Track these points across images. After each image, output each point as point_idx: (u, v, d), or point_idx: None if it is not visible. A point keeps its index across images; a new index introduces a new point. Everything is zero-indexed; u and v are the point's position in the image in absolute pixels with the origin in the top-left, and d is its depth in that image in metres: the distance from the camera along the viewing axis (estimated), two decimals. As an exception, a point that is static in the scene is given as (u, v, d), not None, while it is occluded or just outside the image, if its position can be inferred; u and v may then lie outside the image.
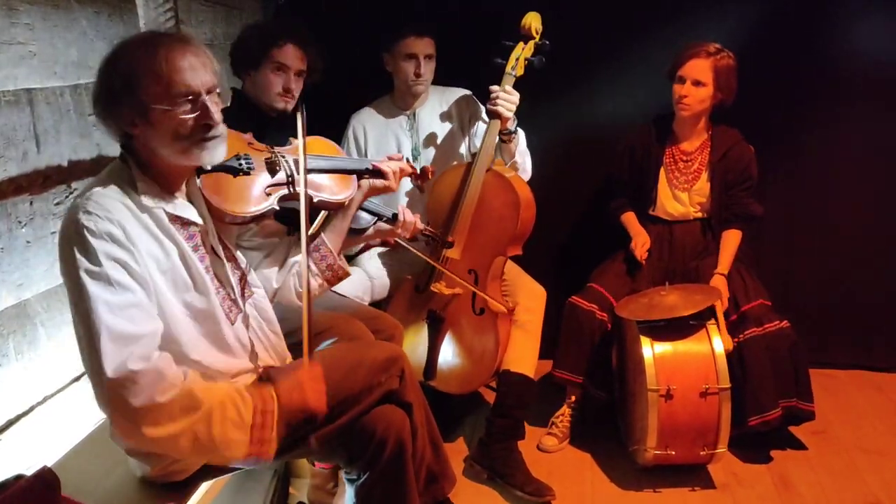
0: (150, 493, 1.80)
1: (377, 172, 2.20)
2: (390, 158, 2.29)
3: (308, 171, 1.99)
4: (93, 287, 1.52)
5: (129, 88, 1.59)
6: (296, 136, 2.02)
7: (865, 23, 3.24)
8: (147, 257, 1.61)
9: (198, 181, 1.79)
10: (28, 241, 1.91)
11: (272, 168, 1.94)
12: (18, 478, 1.50)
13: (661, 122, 3.06)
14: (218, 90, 1.70)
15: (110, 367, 1.48)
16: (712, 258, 2.98)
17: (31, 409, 1.93)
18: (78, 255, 1.53)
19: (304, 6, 3.44)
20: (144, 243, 1.61)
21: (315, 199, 2.00)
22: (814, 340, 3.45)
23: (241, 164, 1.86)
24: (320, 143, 2.20)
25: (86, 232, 1.53)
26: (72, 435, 2.05)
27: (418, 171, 2.46)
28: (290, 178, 1.95)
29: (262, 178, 1.91)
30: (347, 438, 1.89)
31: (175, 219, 1.70)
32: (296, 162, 1.97)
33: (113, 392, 1.49)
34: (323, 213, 2.13)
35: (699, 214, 3.05)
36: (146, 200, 1.65)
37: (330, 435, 1.86)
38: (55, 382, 2.03)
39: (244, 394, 1.66)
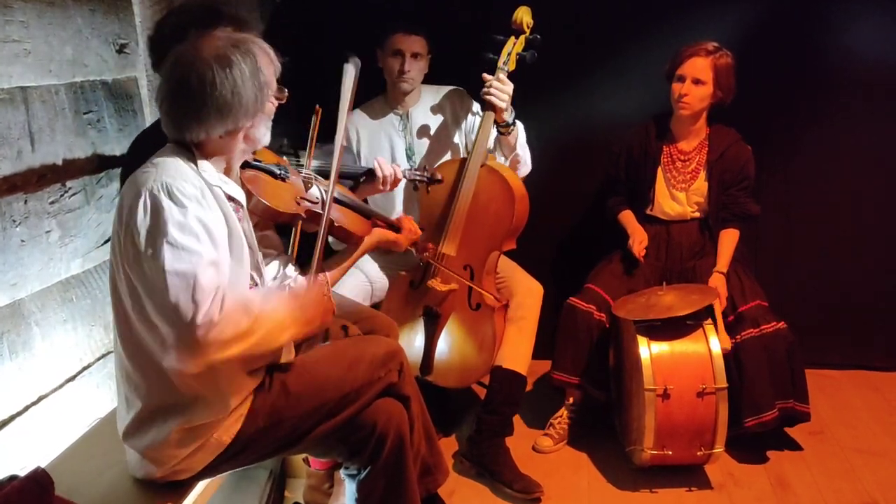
0: (144, 493, 1.79)
1: (393, 225, 2.40)
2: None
3: (336, 200, 2.15)
4: (185, 241, 1.58)
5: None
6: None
7: (863, 23, 3.25)
8: (217, 224, 1.68)
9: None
10: (22, 241, 1.90)
11: (306, 183, 2.13)
12: (12, 478, 1.50)
13: (658, 122, 3.06)
14: None
15: (200, 317, 1.54)
16: (709, 258, 2.98)
17: (26, 409, 1.92)
18: (170, 212, 1.59)
19: (300, 5, 3.43)
20: (213, 211, 1.68)
21: (335, 224, 2.13)
22: (811, 340, 3.44)
23: (280, 171, 2.05)
24: (342, 189, 2.35)
25: (177, 191, 1.61)
26: (66, 435, 2.04)
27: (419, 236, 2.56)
28: (319, 199, 2.12)
29: (296, 189, 2.09)
30: (348, 433, 1.92)
31: (229, 198, 1.77)
32: (325, 191, 2.12)
33: (202, 338, 1.55)
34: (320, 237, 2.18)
35: (696, 214, 3.04)
36: (207, 177, 1.72)
37: (331, 429, 1.88)
38: (49, 382, 2.02)
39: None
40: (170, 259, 1.56)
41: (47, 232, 2.00)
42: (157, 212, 1.59)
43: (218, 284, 1.59)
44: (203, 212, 1.63)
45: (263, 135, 1.81)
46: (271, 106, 1.78)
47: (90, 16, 2.16)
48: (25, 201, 1.91)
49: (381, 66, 2.98)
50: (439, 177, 2.74)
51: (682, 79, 2.87)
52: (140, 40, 2.41)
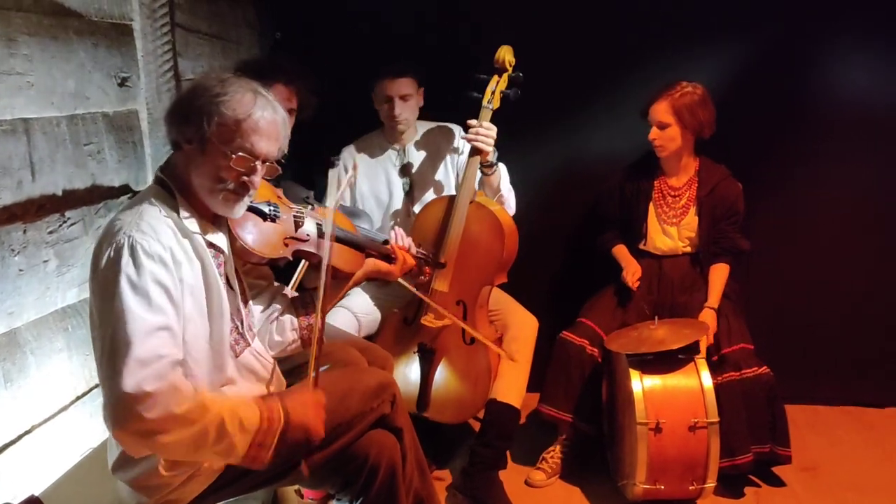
0: (136, 522, 1.79)
1: (387, 256, 2.38)
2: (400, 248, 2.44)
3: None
4: (132, 303, 1.55)
5: (208, 116, 1.67)
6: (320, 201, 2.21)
7: (848, 63, 3.30)
8: (185, 281, 1.67)
9: None
10: (21, 270, 1.92)
11: (297, 223, 2.08)
12: (4, 506, 1.50)
13: (649, 158, 3.10)
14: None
15: (129, 384, 1.49)
16: (701, 293, 3.00)
17: (20, 437, 1.92)
18: (126, 270, 1.57)
19: (298, 41, 3.49)
20: (184, 266, 1.67)
21: (327, 263, 2.11)
22: (803, 376, 3.46)
23: (270, 211, 1.99)
24: (340, 217, 2.34)
25: (140, 250, 1.59)
26: (60, 464, 2.04)
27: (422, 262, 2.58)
28: (309, 237, 2.09)
29: (286, 229, 2.04)
30: (341, 464, 1.92)
31: (210, 245, 1.77)
32: (319, 226, 2.11)
33: (127, 406, 1.50)
34: (301, 269, 2.16)
35: (688, 249, 3.07)
36: (188, 224, 1.72)
37: (323, 460, 1.88)
38: (44, 411, 2.02)
39: (251, 403, 1.70)
40: (113, 319, 1.54)
41: (45, 261, 2.02)
42: (115, 266, 1.58)
43: (160, 354, 1.54)
44: (164, 273, 1.61)
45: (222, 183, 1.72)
46: (233, 167, 1.69)
47: (93, 50, 2.20)
48: (24, 231, 1.93)
49: (377, 108, 3.02)
50: (443, 261, 2.79)
51: (650, 124, 2.94)
52: (141, 74, 2.45)
